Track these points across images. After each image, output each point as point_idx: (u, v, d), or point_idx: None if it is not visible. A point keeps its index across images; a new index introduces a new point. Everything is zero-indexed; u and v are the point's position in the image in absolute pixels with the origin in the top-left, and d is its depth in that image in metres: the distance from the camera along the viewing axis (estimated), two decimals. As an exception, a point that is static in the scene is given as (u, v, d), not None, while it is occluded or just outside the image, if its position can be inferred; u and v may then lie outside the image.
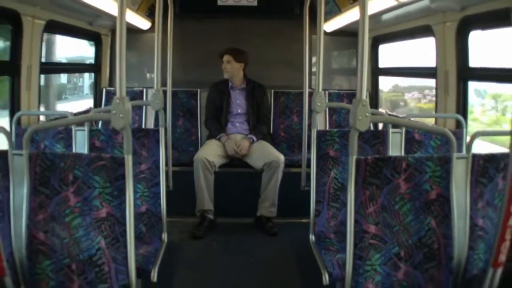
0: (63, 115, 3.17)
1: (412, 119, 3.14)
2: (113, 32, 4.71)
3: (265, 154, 3.78)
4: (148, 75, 4.99)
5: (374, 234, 1.90)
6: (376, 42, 4.64)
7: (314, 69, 4.43)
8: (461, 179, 1.94)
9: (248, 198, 3.83)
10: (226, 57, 3.99)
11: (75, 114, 3.52)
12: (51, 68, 4.27)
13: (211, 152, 3.76)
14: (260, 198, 3.78)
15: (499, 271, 1.17)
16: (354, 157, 1.83)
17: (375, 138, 2.84)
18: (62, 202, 1.89)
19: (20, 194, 1.94)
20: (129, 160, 1.85)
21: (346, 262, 1.87)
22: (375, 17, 3.61)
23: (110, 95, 4.53)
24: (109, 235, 1.87)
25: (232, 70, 4.01)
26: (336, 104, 4.38)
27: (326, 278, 2.26)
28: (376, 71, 4.74)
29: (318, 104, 2.97)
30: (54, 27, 3.59)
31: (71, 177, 1.89)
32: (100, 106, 4.62)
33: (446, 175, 1.90)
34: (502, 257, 1.14)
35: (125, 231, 1.85)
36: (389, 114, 4.23)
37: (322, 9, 2.99)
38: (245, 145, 3.83)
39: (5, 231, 2.06)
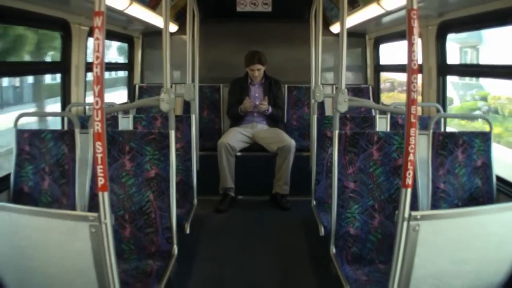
0: (111, 105, 3.61)
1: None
2: (143, 34, 5.25)
3: (279, 139, 4.23)
4: (174, 72, 5.41)
5: (353, 189, 2.37)
6: (377, 42, 5.04)
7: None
8: (424, 151, 2.40)
9: (265, 178, 4.28)
10: (257, 66, 4.43)
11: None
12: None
13: (232, 138, 4.23)
14: (275, 178, 4.21)
15: (409, 191, 1.59)
16: (337, 131, 2.39)
17: (364, 122, 3.34)
18: (120, 167, 2.39)
19: (84, 164, 2.46)
20: (172, 134, 2.41)
21: (332, 210, 2.34)
22: (376, 20, 4.05)
23: (143, 90, 5.03)
24: (156, 190, 2.37)
25: (261, 74, 4.50)
26: (331, 95, 4.83)
27: (321, 230, 2.78)
28: (378, 68, 5.15)
29: (318, 94, 3.48)
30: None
31: (127, 148, 2.41)
32: (134, 99, 5.06)
33: None
34: (409, 181, 1.58)
35: (168, 186, 2.39)
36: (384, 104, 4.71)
37: (319, 16, 3.48)
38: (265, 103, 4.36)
39: (70, 193, 2.56)
